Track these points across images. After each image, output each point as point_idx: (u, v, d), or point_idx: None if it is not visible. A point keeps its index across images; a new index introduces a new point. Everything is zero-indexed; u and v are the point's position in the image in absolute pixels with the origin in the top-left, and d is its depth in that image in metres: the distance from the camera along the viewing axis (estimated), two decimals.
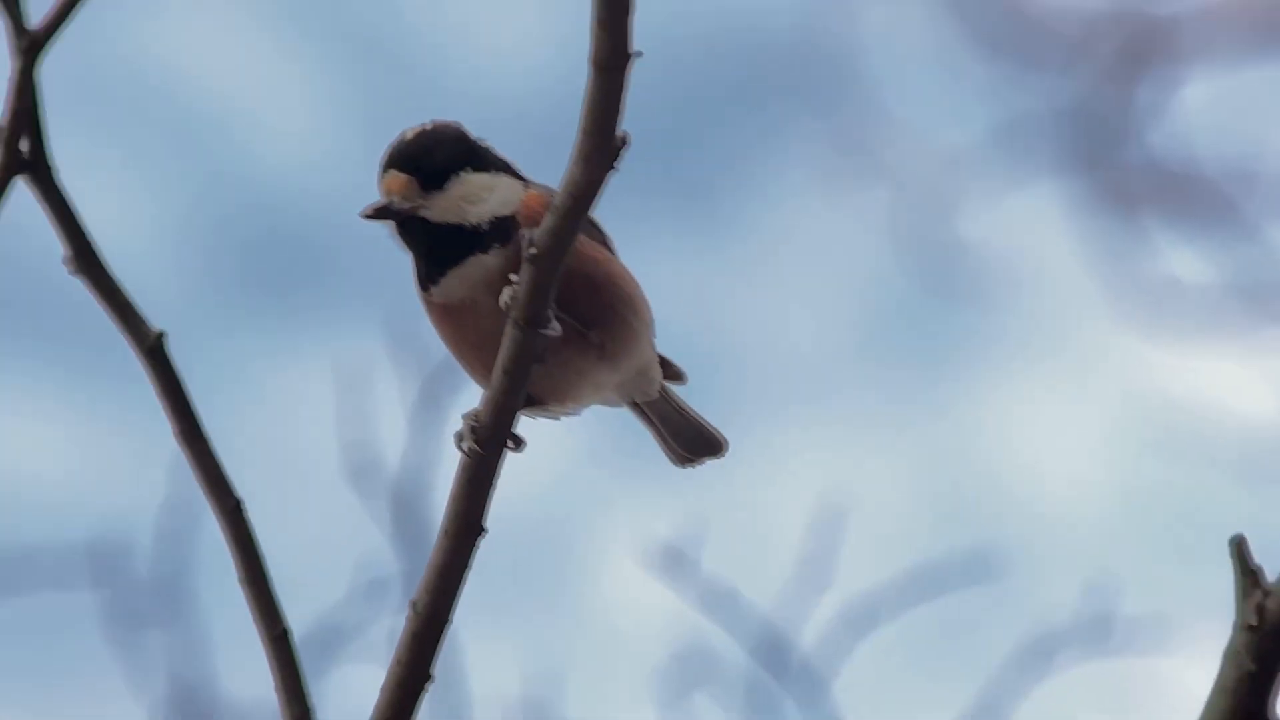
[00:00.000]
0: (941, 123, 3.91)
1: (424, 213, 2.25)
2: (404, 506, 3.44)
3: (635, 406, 2.45)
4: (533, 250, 2.09)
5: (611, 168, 2.07)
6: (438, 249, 2.25)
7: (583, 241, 2.17)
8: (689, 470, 2.47)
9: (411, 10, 4.06)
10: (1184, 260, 3.80)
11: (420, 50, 4.06)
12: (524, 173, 2.32)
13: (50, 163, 2.14)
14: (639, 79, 2.02)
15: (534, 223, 2.15)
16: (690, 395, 2.43)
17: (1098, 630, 3.47)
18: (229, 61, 4.03)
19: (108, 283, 2.17)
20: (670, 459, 2.47)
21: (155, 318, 2.18)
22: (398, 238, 2.28)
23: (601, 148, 2.05)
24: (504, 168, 2.30)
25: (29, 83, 2.11)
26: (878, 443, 4.01)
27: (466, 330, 2.25)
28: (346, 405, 3.42)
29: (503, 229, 2.24)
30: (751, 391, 3.93)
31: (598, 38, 1.99)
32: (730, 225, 4.00)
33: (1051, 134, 3.84)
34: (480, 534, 2.16)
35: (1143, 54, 3.82)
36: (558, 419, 2.37)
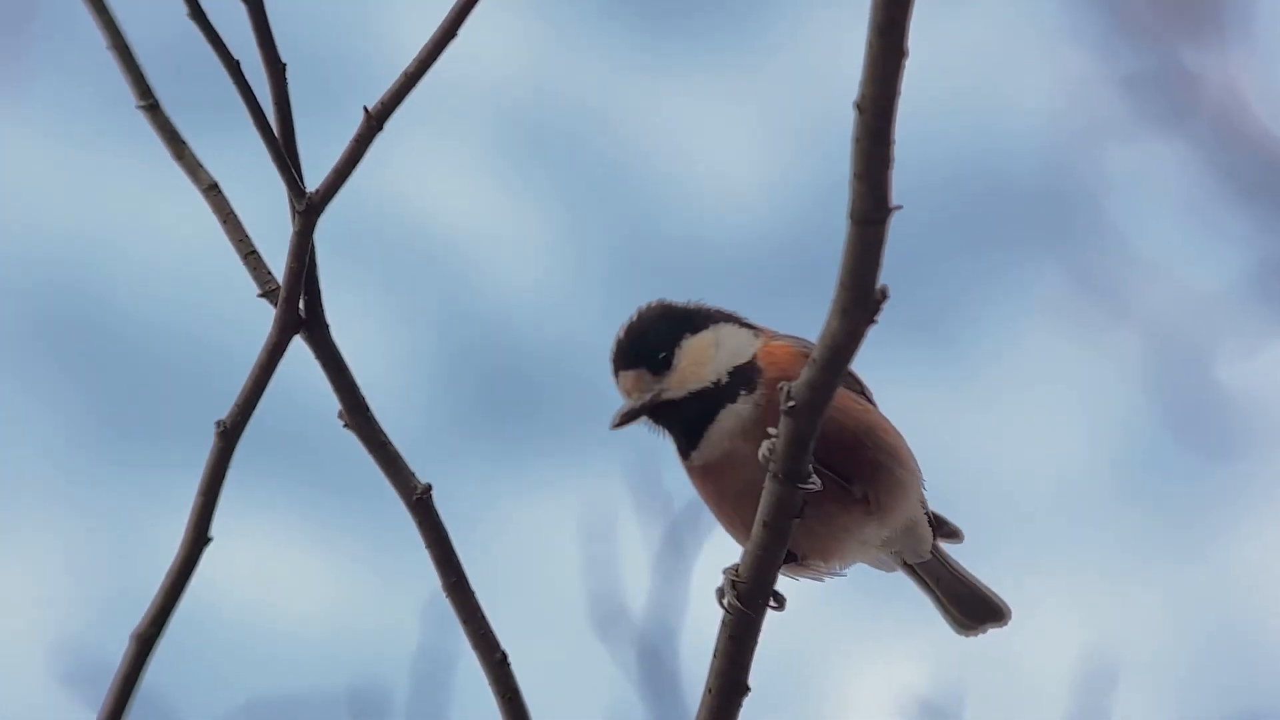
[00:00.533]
0: (1193, 266, 3.84)
1: (666, 395, 2.28)
2: (650, 656, 3.44)
3: (909, 569, 2.42)
4: (791, 403, 2.09)
5: (871, 320, 2.06)
6: (690, 417, 2.27)
7: (842, 393, 2.17)
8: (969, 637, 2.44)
9: (648, 146, 4.13)
10: None
11: (655, 185, 4.12)
12: (746, 318, 2.33)
13: (325, 321, 2.21)
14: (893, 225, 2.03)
15: (777, 366, 2.15)
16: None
17: None
18: (468, 200, 4.14)
19: (377, 436, 2.22)
20: (952, 627, 2.44)
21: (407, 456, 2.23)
22: (656, 427, 2.31)
23: (861, 301, 2.04)
24: (722, 318, 2.32)
25: (306, 244, 2.18)
26: (1135, 595, 3.91)
27: (726, 484, 2.26)
28: (592, 551, 3.44)
29: (745, 376, 2.25)
30: (1001, 537, 3.87)
31: (857, 191, 1.99)
32: (975, 367, 3.96)
33: None
34: (745, 693, 2.15)
35: None
36: (821, 579, 2.35)
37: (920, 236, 2.36)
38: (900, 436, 2.31)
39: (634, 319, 2.32)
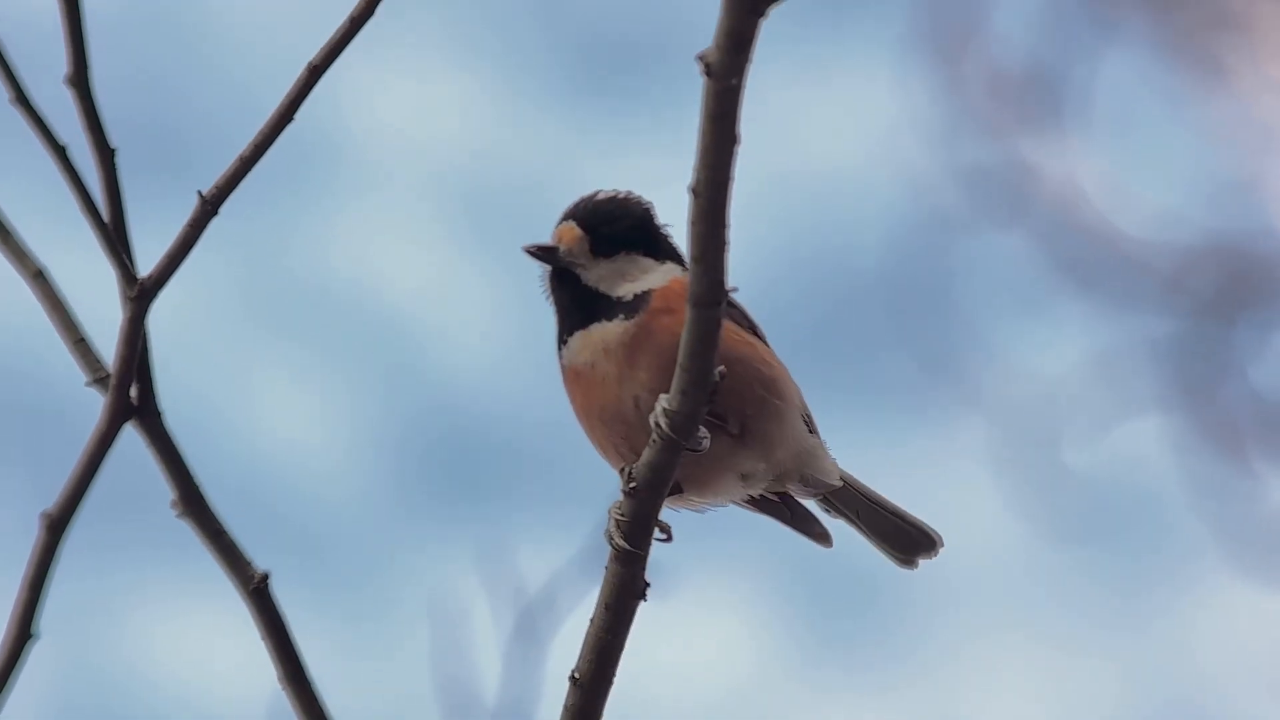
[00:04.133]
0: (1037, 354, 3.90)
1: (580, 271, 2.27)
2: None
3: (827, 503, 2.41)
4: (633, 484, 2.12)
5: (710, 401, 2.08)
6: (575, 311, 2.27)
7: (728, 330, 2.17)
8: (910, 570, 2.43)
9: None
10: None
11: None
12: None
13: (158, 408, 2.18)
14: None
15: (664, 298, 2.17)
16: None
17: None
18: (414, 268, 4.12)
19: (213, 524, 2.19)
20: (892, 561, 2.43)
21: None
22: (547, 285, 2.30)
23: (699, 382, 2.07)
24: (675, 259, 2.31)
25: (139, 330, 2.15)
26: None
27: (591, 398, 2.25)
28: (442, 636, 3.40)
29: (639, 303, 2.26)
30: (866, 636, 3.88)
31: (694, 274, 2.01)
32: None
33: (1151, 368, 3.82)
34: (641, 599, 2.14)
35: (1243, 290, 3.81)
36: (701, 511, 2.34)
37: (767, 324, 2.38)
38: (780, 368, 2.31)
39: (619, 195, 2.30)
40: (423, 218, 4.12)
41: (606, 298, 2.28)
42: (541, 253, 2.29)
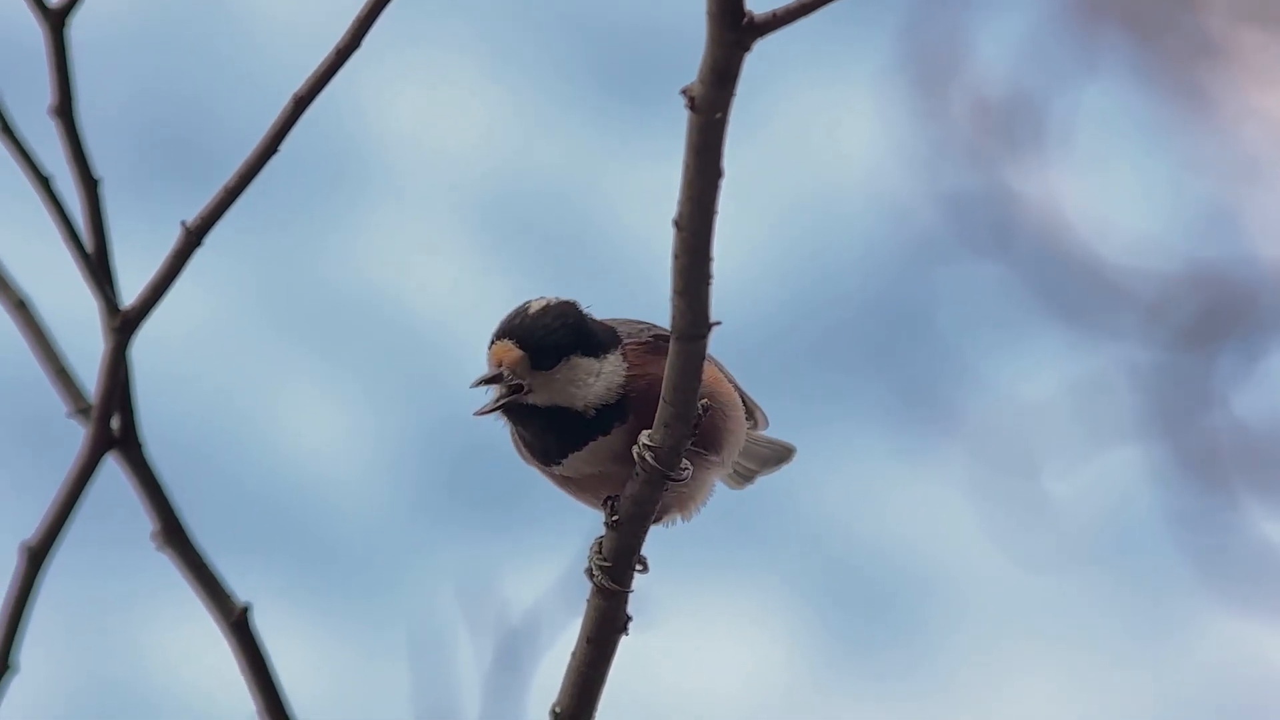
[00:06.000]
0: (1018, 381, 3.91)
1: (529, 397, 2.25)
2: None
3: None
4: (615, 517, 2.12)
5: (693, 434, 2.08)
6: (553, 430, 2.25)
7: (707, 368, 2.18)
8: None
9: (622, 223, 4.13)
10: (1272, 528, 3.75)
11: (628, 263, 4.11)
12: (628, 335, 2.31)
13: (140, 439, 2.17)
14: (718, 340, 2.05)
15: (642, 395, 2.18)
16: None
17: None
18: (436, 281, 4.12)
19: (194, 557, 2.18)
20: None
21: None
22: (506, 422, 2.28)
23: (683, 416, 2.07)
24: (612, 343, 2.30)
25: (121, 361, 2.14)
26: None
27: (588, 486, 2.25)
28: (421, 668, 3.39)
29: (615, 413, 2.24)
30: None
31: (677, 308, 2.01)
32: (806, 482, 3.99)
33: (1131, 396, 3.83)
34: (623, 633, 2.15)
35: (1223, 319, 3.82)
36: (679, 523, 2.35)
37: (750, 354, 2.38)
38: (729, 383, 2.32)
39: (544, 306, 2.28)
40: (446, 227, 4.12)
41: (572, 412, 2.26)
42: (488, 381, 2.27)
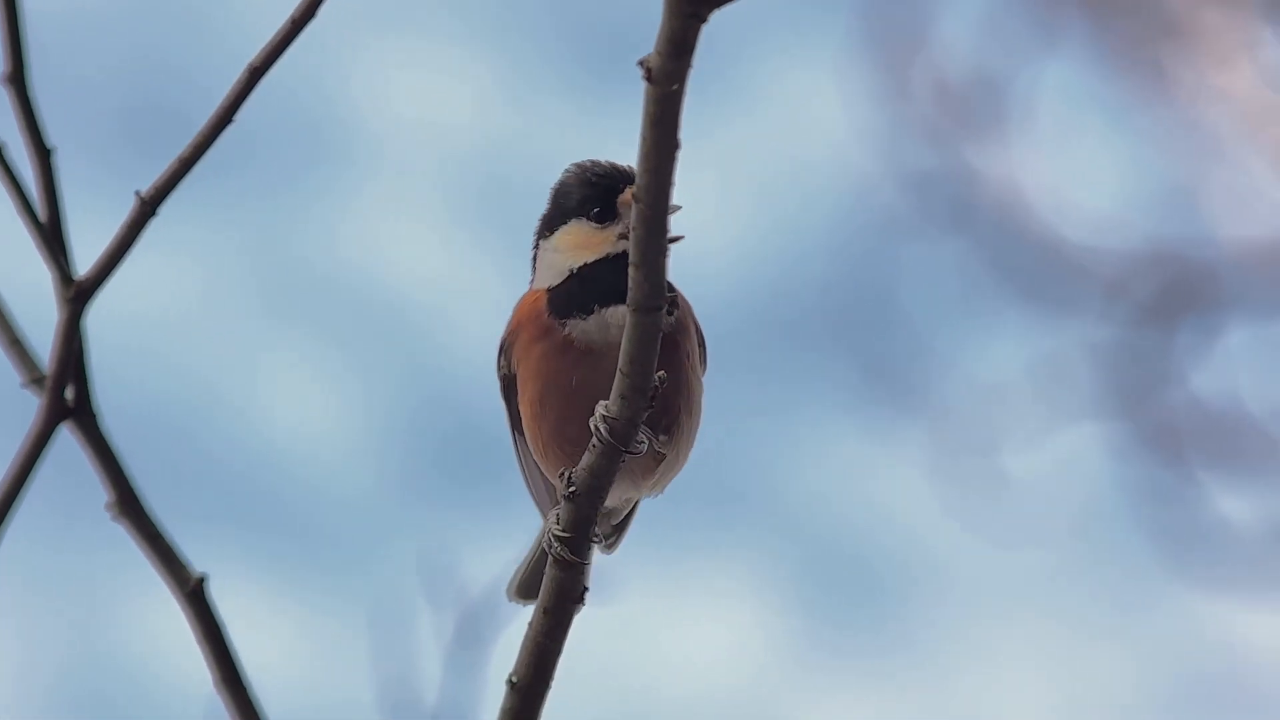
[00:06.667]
0: (979, 359, 3.92)
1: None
2: None
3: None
4: (572, 489, 2.12)
5: (650, 407, 2.08)
6: (606, 285, 2.23)
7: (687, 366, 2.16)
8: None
9: None
10: (1231, 505, 3.77)
11: None
12: None
13: (95, 410, 2.17)
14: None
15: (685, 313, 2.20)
16: None
17: None
18: (424, 258, 4.11)
19: (149, 527, 2.18)
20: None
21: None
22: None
23: (640, 387, 2.07)
24: None
25: (75, 331, 2.14)
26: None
27: (581, 370, 2.21)
28: (381, 640, 3.39)
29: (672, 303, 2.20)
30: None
31: (634, 280, 2.00)
32: (769, 466, 3.99)
33: (1091, 374, 3.85)
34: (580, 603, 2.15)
35: (1182, 297, 3.84)
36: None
37: (712, 332, 2.38)
38: (700, 387, 2.30)
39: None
40: (433, 206, 4.11)
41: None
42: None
